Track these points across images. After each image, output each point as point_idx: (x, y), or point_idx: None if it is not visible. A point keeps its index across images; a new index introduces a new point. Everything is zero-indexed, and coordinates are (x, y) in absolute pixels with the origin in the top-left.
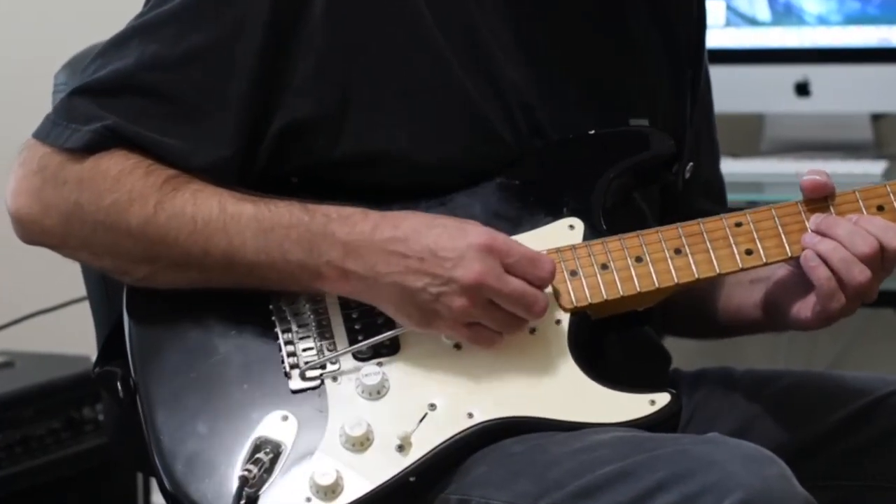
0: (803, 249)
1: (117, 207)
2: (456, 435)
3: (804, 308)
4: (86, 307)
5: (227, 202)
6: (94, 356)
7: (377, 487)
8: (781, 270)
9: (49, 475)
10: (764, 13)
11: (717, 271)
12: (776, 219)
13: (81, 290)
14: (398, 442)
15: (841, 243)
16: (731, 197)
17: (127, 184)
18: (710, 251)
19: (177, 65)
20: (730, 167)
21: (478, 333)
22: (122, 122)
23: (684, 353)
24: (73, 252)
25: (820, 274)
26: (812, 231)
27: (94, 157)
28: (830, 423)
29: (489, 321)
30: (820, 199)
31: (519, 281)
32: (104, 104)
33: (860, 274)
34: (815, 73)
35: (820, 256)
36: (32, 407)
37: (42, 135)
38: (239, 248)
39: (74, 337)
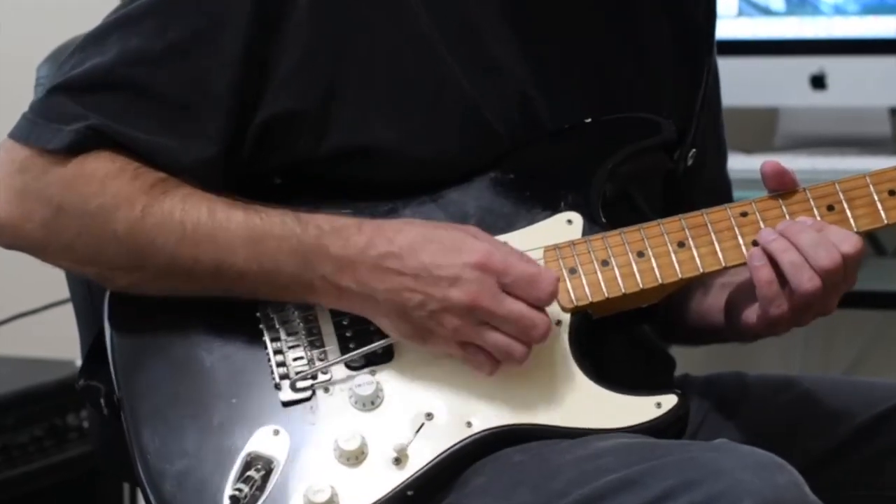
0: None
1: (103, 212)
2: (454, 445)
3: (751, 313)
4: (70, 310)
5: (216, 208)
6: (78, 360)
7: (374, 503)
8: (746, 272)
9: (32, 485)
10: (778, 2)
11: (723, 264)
12: (783, 207)
13: (65, 292)
14: (394, 454)
15: (801, 251)
16: (744, 194)
17: (113, 187)
18: (715, 243)
19: (160, 59)
20: (742, 163)
21: (472, 355)
22: (106, 121)
23: (695, 358)
24: (54, 258)
25: (762, 275)
26: (768, 228)
27: (78, 160)
28: (846, 431)
29: (484, 343)
30: (829, 184)
31: (517, 302)
32: (86, 102)
33: (809, 282)
34: (831, 66)
35: (770, 256)
36: (14, 414)
37: (21, 135)
38: (228, 256)
39: (58, 341)
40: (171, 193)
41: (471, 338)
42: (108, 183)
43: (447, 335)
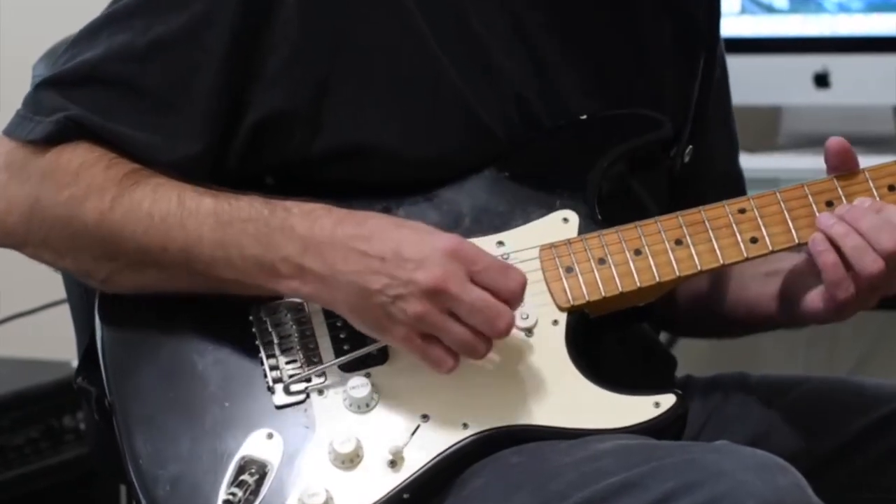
0: (816, 231)
1: (74, 202)
2: (451, 447)
3: (816, 298)
4: (66, 310)
5: (186, 196)
6: (74, 361)
7: None
8: (797, 259)
9: (28, 486)
10: (781, 0)
11: (721, 262)
12: (782, 203)
13: (61, 293)
14: (390, 457)
15: (862, 234)
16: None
17: (86, 178)
18: (713, 241)
19: (145, 55)
20: (745, 162)
21: (431, 349)
22: (87, 114)
23: (697, 358)
24: (35, 251)
25: (826, 259)
26: (827, 213)
27: (56, 150)
28: (850, 432)
29: (446, 334)
30: (828, 180)
31: (483, 292)
32: (70, 95)
33: (873, 263)
34: (835, 64)
35: (831, 241)
36: (10, 415)
37: (10, 129)
38: (196, 243)
39: (54, 341)
40: (142, 183)
41: (433, 327)
42: (81, 173)
43: (409, 322)
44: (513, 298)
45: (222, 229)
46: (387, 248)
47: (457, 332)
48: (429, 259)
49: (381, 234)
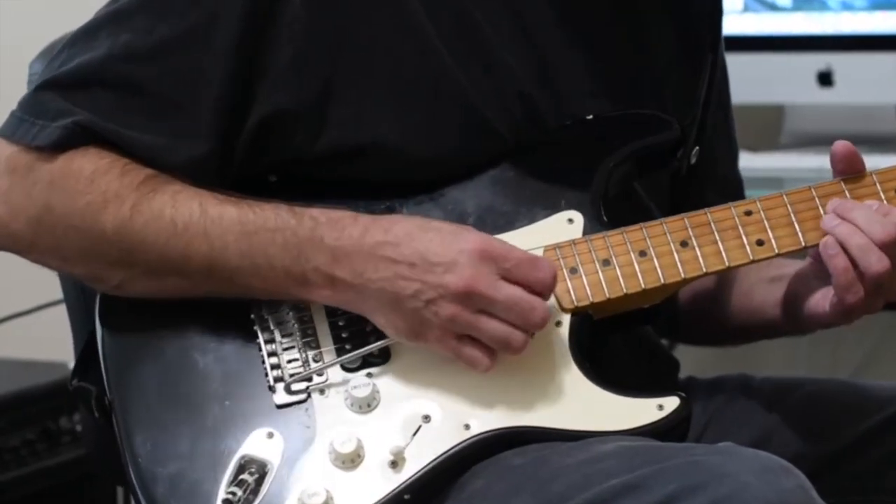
0: (824, 235)
1: (91, 210)
2: (452, 448)
3: (822, 301)
4: (63, 311)
5: (208, 204)
6: (71, 362)
7: None
8: (801, 263)
9: (24, 489)
10: None
11: (727, 264)
12: (788, 206)
13: (58, 293)
14: (391, 457)
15: (858, 228)
16: (749, 193)
17: (101, 185)
18: (719, 243)
19: (150, 56)
20: (748, 161)
21: (466, 349)
22: (94, 118)
23: (699, 360)
24: (42, 257)
25: (837, 263)
26: (830, 214)
27: (65, 156)
28: (854, 434)
29: (481, 333)
30: (835, 182)
31: (515, 287)
32: (74, 98)
33: (878, 263)
34: (838, 62)
35: (839, 241)
36: (6, 417)
37: (8, 132)
38: (220, 252)
39: (51, 342)
40: (160, 190)
41: (467, 327)
42: (96, 180)
43: (443, 325)
44: (545, 290)
45: (248, 239)
46: (415, 253)
47: (490, 329)
48: (457, 261)
49: (408, 239)
